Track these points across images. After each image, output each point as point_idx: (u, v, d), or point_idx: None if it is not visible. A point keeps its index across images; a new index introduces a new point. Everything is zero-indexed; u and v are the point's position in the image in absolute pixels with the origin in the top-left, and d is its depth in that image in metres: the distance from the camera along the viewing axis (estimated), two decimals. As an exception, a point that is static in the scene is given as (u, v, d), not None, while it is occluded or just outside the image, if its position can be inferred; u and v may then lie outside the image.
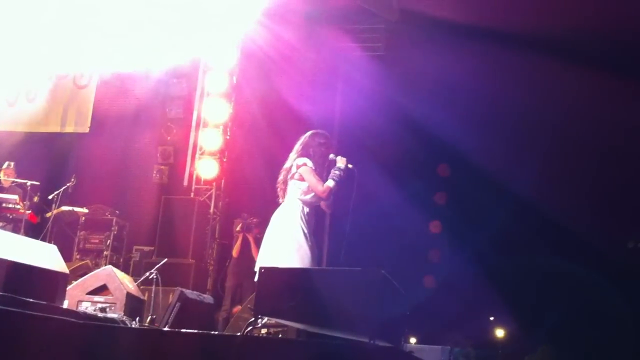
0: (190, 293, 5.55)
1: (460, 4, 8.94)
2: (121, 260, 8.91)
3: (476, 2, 9.04)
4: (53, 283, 3.86)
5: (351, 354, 3.03)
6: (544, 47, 8.58)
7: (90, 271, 6.03)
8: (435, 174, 11.51)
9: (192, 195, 9.53)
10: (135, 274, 7.71)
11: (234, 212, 9.22)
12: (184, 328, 3.69)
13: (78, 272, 6.93)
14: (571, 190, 10.46)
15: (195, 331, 3.37)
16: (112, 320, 4.25)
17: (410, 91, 9.72)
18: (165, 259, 7.11)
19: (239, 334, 4.10)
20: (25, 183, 7.94)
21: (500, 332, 16.71)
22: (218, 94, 9.65)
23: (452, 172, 11.41)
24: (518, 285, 11.17)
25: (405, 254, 10.48)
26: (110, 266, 5.51)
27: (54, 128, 10.40)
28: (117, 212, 9.13)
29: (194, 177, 9.66)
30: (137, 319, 4.95)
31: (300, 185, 4.65)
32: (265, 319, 3.88)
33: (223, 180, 9.71)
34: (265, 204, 5.31)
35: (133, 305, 5.04)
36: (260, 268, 3.67)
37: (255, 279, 4.49)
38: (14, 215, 7.89)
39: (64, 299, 4.12)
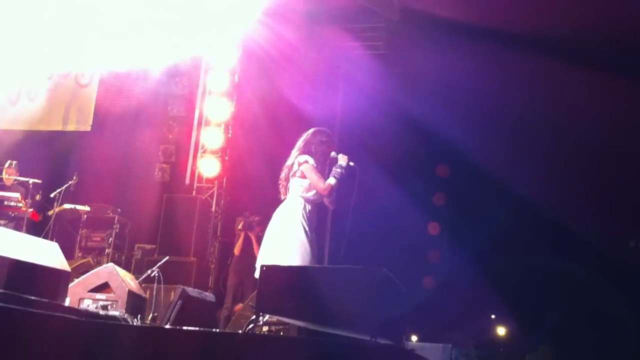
0: (192, 291, 5.55)
1: (461, 3, 8.93)
2: (123, 258, 8.92)
3: (477, 2, 9.03)
4: (55, 281, 3.87)
5: (352, 352, 3.03)
6: (545, 47, 8.58)
7: (92, 269, 6.04)
8: (435, 173, 11.51)
9: (193, 193, 9.54)
10: (136, 272, 7.73)
11: (236, 211, 9.23)
12: (185, 326, 3.71)
13: (80, 270, 6.94)
14: (571, 189, 10.46)
15: (197, 329, 3.38)
16: (114, 318, 4.26)
17: (411, 90, 9.72)
18: (167, 257, 7.12)
19: (240, 331, 4.11)
20: (28, 181, 7.95)
21: (501, 331, 16.72)
22: (219, 93, 9.67)
23: (452, 171, 11.41)
24: (519, 284, 11.18)
25: (405, 253, 10.49)
26: (112, 264, 5.51)
27: (56, 126, 10.42)
28: (119, 210, 9.14)
29: (196, 175, 9.68)
30: (139, 316, 4.96)
31: (302, 182, 4.66)
32: (267, 316, 3.89)
33: (225, 179, 9.72)
34: (267, 202, 5.32)
35: (135, 303, 5.04)
36: (262, 266, 3.68)
37: (255, 275, 4.51)
38: (16, 213, 7.90)
39: (66, 297, 4.12)
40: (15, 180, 8.18)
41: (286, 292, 3.50)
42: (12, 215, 7.89)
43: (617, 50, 8.75)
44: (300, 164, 4.66)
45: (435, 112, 9.47)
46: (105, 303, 4.84)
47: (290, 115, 8.93)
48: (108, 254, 8.65)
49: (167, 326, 4.70)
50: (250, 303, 5.46)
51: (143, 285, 6.25)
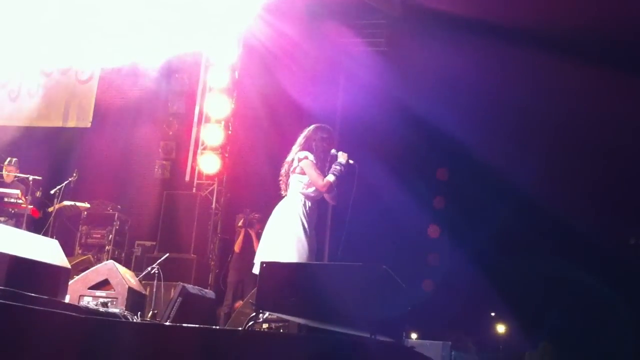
0: (192, 288, 5.56)
1: (463, -1, 8.91)
2: (123, 255, 8.93)
3: (479, -2, 9.01)
4: (55, 278, 3.86)
5: (352, 349, 3.03)
6: (547, 43, 8.56)
7: (92, 266, 6.04)
8: (436, 168, 11.50)
9: (194, 190, 9.54)
10: (136, 269, 7.73)
11: (236, 208, 9.23)
12: (185, 323, 3.70)
13: (80, 267, 6.95)
14: (572, 186, 10.45)
15: (197, 326, 3.38)
16: (114, 315, 4.26)
17: (412, 87, 9.70)
18: (167, 254, 7.12)
19: (240, 328, 4.11)
20: (28, 178, 7.94)
21: (501, 328, 16.72)
22: (220, 89, 9.65)
23: (453, 168, 11.39)
24: (519, 283, 11.17)
25: (405, 252, 10.48)
26: (112, 261, 5.51)
27: (56, 123, 10.41)
28: (119, 207, 9.14)
29: (196, 172, 9.67)
30: (139, 313, 4.96)
31: (301, 178, 4.65)
32: (267, 314, 3.89)
33: (225, 176, 9.71)
34: (267, 199, 5.32)
35: (135, 300, 5.04)
36: (262, 263, 3.68)
37: (254, 270, 4.51)
38: (16, 210, 7.90)
39: (66, 294, 4.12)
40: (15, 177, 8.17)
41: (286, 289, 3.49)
42: (12, 212, 7.89)
43: (620, 47, 8.73)
44: (300, 160, 4.66)
45: (437, 109, 9.45)
46: (105, 300, 4.84)
47: (291, 112, 8.92)
48: (108, 251, 8.65)
49: (167, 323, 4.70)
50: (250, 300, 5.46)
51: (143, 282, 6.25)
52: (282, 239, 4.51)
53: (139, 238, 9.21)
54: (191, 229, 8.84)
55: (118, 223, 8.92)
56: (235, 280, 8.33)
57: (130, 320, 4.33)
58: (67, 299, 4.17)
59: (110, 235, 8.77)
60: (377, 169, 8.43)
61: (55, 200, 8.17)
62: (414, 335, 9.45)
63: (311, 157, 4.65)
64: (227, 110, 9.65)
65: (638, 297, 9.49)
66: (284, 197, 4.76)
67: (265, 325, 4.26)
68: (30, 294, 3.23)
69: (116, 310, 4.47)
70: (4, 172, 8.20)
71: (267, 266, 3.61)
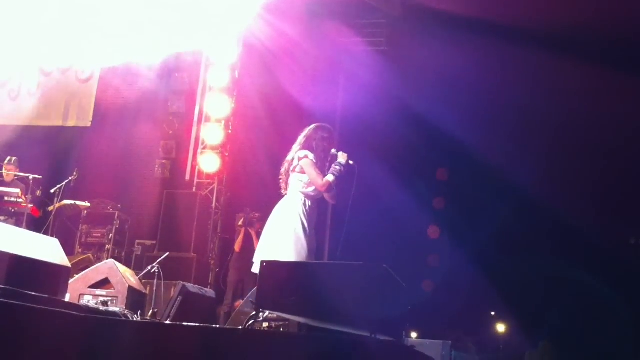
0: (192, 287, 5.56)
1: (463, -2, 8.91)
2: (123, 254, 8.93)
3: (479, -3, 9.01)
4: (55, 276, 3.86)
5: (352, 348, 3.03)
6: (548, 43, 8.56)
7: (92, 265, 6.04)
8: (436, 168, 11.50)
9: (194, 189, 9.54)
10: (137, 268, 7.73)
11: (236, 207, 9.23)
12: (185, 322, 3.71)
13: (80, 266, 6.95)
14: (572, 186, 10.45)
15: (197, 325, 3.38)
16: (114, 313, 4.26)
17: (412, 86, 9.70)
18: (167, 253, 7.12)
19: (240, 327, 4.11)
20: (28, 177, 7.94)
21: (501, 328, 16.72)
22: (220, 89, 9.65)
23: (453, 167, 11.40)
24: (519, 282, 11.17)
25: (405, 252, 10.48)
26: (112, 260, 5.51)
27: (56, 122, 10.41)
28: (119, 206, 9.14)
29: (196, 171, 9.67)
30: (139, 312, 4.96)
31: (301, 177, 4.65)
32: (267, 313, 3.89)
33: (225, 175, 9.72)
34: (267, 198, 5.31)
35: (135, 299, 5.04)
36: (262, 262, 3.68)
37: (253, 269, 4.51)
38: (17, 209, 7.89)
39: (66, 293, 4.12)
40: (15, 176, 8.16)
41: (286, 288, 3.49)
42: (13, 211, 7.89)
43: (620, 46, 8.72)
44: (300, 159, 4.66)
45: (437, 108, 9.45)
46: (106, 299, 4.84)
47: (291, 111, 8.92)
48: (108, 250, 8.65)
49: (167, 322, 4.70)
50: (250, 299, 5.46)
51: (143, 281, 6.25)
52: (282, 238, 4.51)
53: (139, 237, 9.22)
54: (191, 228, 8.85)
55: (118, 222, 8.92)
56: (235, 279, 8.33)
57: (131, 319, 4.34)
58: (67, 298, 4.17)
59: (111, 234, 8.77)
60: (377, 169, 8.43)
61: (56, 199, 8.17)
62: (414, 335, 9.45)
63: (311, 156, 4.65)
64: (227, 110, 9.66)
65: (638, 297, 9.49)
66: (284, 196, 4.76)
67: (265, 325, 4.26)
68: (30, 292, 3.23)
69: (116, 309, 4.47)
70: (4, 171, 8.19)
71: (267, 265, 3.61)
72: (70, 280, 4.62)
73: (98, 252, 8.63)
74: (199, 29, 8.94)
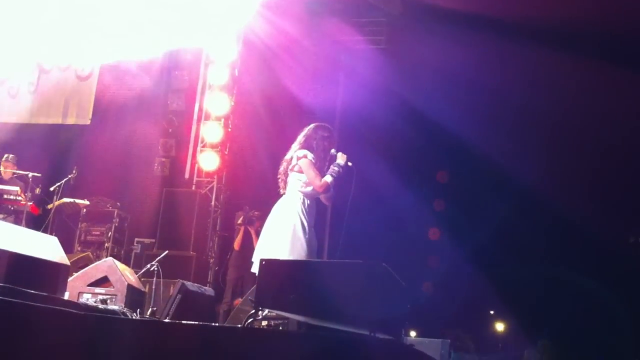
0: (191, 285, 5.55)
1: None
2: (122, 252, 8.93)
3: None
4: (54, 275, 3.86)
5: (352, 347, 3.03)
6: (548, 39, 8.55)
7: (92, 263, 6.04)
8: (437, 166, 11.50)
9: (193, 187, 9.54)
10: (136, 266, 7.73)
11: (236, 205, 9.23)
12: (184, 320, 3.70)
13: (79, 264, 6.94)
14: (572, 186, 10.45)
15: (196, 323, 3.37)
16: (113, 312, 4.25)
17: (412, 84, 9.70)
18: (167, 251, 7.12)
19: (239, 326, 4.10)
20: (27, 175, 7.93)
21: (500, 326, 16.73)
22: (219, 87, 9.64)
23: (453, 165, 11.40)
24: (518, 281, 11.18)
25: (405, 253, 10.48)
26: (111, 258, 5.51)
27: (56, 120, 10.39)
28: (119, 204, 9.13)
29: (196, 169, 9.67)
30: (138, 310, 4.95)
31: (300, 177, 4.64)
32: (266, 311, 3.89)
33: (224, 173, 9.72)
34: (267, 196, 5.30)
35: (134, 297, 5.04)
36: (261, 260, 3.67)
37: (252, 269, 4.50)
38: (16, 206, 7.88)
39: (65, 291, 4.12)
40: (13, 173, 8.15)
41: (286, 286, 3.49)
42: (12, 208, 7.88)
43: (619, 42, 8.71)
44: (298, 158, 4.64)
45: (437, 106, 9.45)
46: (105, 297, 4.84)
47: (291, 109, 8.92)
48: (107, 248, 8.65)
49: (166, 320, 4.69)
50: (249, 297, 5.45)
51: (142, 279, 6.25)
52: (281, 237, 4.50)
53: (139, 235, 9.21)
54: (191, 226, 8.84)
55: (117, 220, 8.91)
56: (234, 277, 8.33)
57: (130, 317, 4.33)
58: (66, 296, 4.17)
59: (110, 233, 8.77)
60: (377, 166, 8.43)
61: (55, 197, 8.16)
62: (413, 333, 9.45)
63: (310, 156, 4.64)
64: (226, 107, 9.65)
65: (637, 296, 9.50)
66: (282, 195, 4.75)
67: (264, 323, 4.26)
68: (29, 290, 3.22)
69: (115, 307, 4.47)
70: (1, 169, 8.17)
71: (266, 263, 3.61)
72: (70, 278, 4.62)
73: (97, 250, 8.62)
74: (198, 26, 8.92)
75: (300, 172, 4.63)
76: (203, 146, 9.63)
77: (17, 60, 9.49)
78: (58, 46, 9.17)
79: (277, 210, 4.66)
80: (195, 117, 9.81)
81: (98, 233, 8.80)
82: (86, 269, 5.27)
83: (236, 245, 8.46)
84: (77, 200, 8.52)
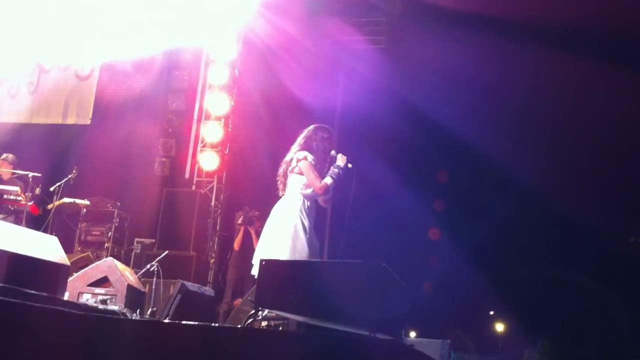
0: (191, 285, 5.55)
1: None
2: (122, 252, 8.92)
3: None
4: (54, 275, 3.86)
5: (351, 347, 3.03)
6: (548, 39, 8.54)
7: (91, 263, 6.04)
8: (437, 166, 11.50)
9: (193, 187, 9.54)
10: (136, 266, 7.73)
11: (236, 205, 9.23)
12: (184, 320, 3.69)
13: (79, 264, 6.94)
14: (572, 186, 10.45)
15: (196, 323, 3.37)
16: (113, 312, 4.25)
17: (413, 84, 9.70)
18: (167, 252, 7.12)
19: (239, 326, 4.10)
20: (27, 175, 7.92)
21: (500, 327, 16.73)
22: (220, 86, 9.64)
23: (454, 165, 11.39)
24: (518, 282, 11.18)
25: (405, 253, 10.48)
26: (111, 258, 5.51)
27: (56, 120, 10.38)
28: (119, 204, 9.13)
29: (196, 169, 9.67)
30: (138, 311, 4.96)
31: (300, 178, 4.63)
32: (266, 311, 3.89)
33: (224, 173, 9.72)
34: (267, 196, 5.30)
35: (134, 298, 5.04)
36: (261, 260, 3.67)
37: (253, 271, 4.50)
38: (16, 206, 7.87)
39: (65, 291, 4.12)
40: (13, 173, 8.13)
41: (285, 286, 3.49)
42: (12, 208, 7.87)
43: (619, 42, 8.71)
44: (298, 160, 4.63)
45: (437, 106, 9.45)
46: (105, 297, 4.84)
47: (291, 109, 8.92)
48: (107, 248, 8.64)
49: (166, 320, 4.69)
50: (249, 297, 5.45)
51: (142, 279, 6.25)
52: (282, 238, 4.50)
53: (139, 235, 9.20)
54: (191, 226, 8.84)
55: (117, 220, 8.91)
56: (234, 277, 8.32)
57: (129, 317, 4.33)
58: (66, 296, 4.17)
59: (110, 233, 8.76)
60: (377, 166, 8.43)
61: (55, 197, 8.16)
62: (413, 334, 9.45)
63: (310, 157, 4.63)
64: (226, 107, 9.65)
65: (637, 296, 9.50)
66: (281, 196, 4.74)
67: (264, 323, 4.26)
68: (29, 290, 3.22)
69: (115, 308, 4.46)
70: (0, 169, 8.16)
71: (266, 264, 3.61)
72: (70, 279, 4.62)
73: (97, 250, 8.62)
74: (198, 26, 8.93)
75: (300, 174, 4.62)
76: (203, 146, 9.63)
77: (17, 60, 9.49)
78: (58, 46, 9.17)
79: (277, 212, 4.65)
80: (195, 117, 9.81)
81: (98, 233, 8.80)
82: (86, 269, 5.27)
83: (236, 245, 8.46)
84: (77, 200, 8.52)
